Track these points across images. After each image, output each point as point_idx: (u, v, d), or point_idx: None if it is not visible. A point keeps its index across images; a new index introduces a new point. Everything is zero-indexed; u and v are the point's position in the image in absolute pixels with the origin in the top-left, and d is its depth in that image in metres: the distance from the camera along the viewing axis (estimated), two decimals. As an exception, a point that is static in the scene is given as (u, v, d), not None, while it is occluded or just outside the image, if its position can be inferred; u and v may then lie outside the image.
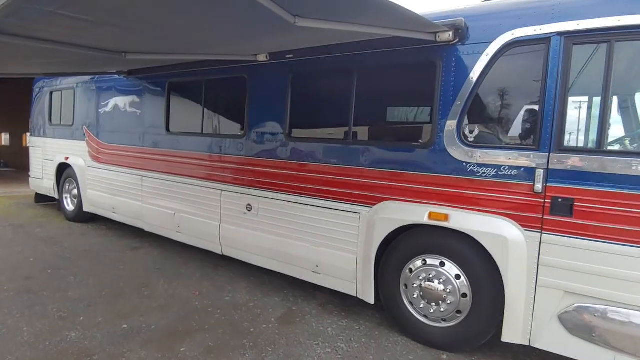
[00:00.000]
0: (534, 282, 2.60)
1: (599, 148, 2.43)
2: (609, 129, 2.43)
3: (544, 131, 2.57)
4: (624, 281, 2.35)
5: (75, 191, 6.50)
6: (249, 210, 4.08)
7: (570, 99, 2.54)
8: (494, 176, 2.74)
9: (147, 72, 5.14)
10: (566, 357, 2.59)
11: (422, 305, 3.04)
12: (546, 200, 2.56)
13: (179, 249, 5.12)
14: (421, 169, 3.03)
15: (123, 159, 5.56)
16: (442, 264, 2.95)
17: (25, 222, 6.43)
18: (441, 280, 2.94)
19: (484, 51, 2.77)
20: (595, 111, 2.43)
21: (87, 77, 6.15)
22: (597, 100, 2.43)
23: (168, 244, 5.25)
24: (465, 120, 2.88)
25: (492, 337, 2.86)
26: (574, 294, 2.50)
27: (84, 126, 6.24)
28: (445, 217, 2.88)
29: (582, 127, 2.63)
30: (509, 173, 2.68)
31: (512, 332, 2.69)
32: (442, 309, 2.96)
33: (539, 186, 2.57)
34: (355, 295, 3.40)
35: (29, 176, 7.75)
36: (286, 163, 3.79)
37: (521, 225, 2.64)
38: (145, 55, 3.82)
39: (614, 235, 2.37)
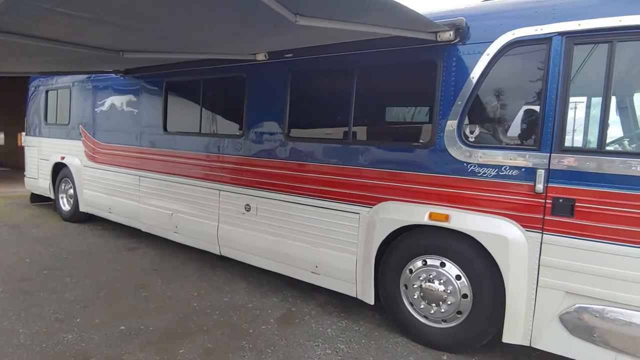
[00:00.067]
0: (535, 282, 2.60)
1: (601, 148, 2.42)
2: (610, 129, 2.43)
3: (545, 131, 2.56)
4: (625, 282, 2.34)
5: (71, 191, 6.44)
6: (247, 211, 4.06)
7: (572, 99, 2.54)
8: (494, 176, 2.73)
9: (144, 71, 5.10)
10: (567, 358, 2.59)
11: (422, 306, 3.03)
12: (547, 201, 2.55)
13: (175, 249, 5.09)
14: (421, 169, 3.02)
15: (120, 158, 5.51)
16: (443, 265, 2.94)
17: (21, 223, 6.38)
18: (441, 281, 2.93)
19: (484, 51, 2.76)
20: (597, 111, 2.42)
21: (84, 76, 6.09)
22: (598, 100, 2.42)
23: (165, 244, 5.22)
24: (466, 120, 2.87)
25: (493, 337, 2.85)
26: (575, 295, 2.49)
27: (80, 125, 6.19)
28: (446, 218, 2.87)
29: (584, 127, 2.63)
30: (509, 173, 2.67)
31: (513, 333, 2.69)
32: (443, 310, 2.95)
33: (540, 186, 2.56)
34: (354, 296, 3.39)
35: (24, 176, 7.67)
36: (285, 163, 3.77)
37: (522, 225, 2.63)
38: (143, 54, 3.78)
39: (615, 235, 2.37)
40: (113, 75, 5.50)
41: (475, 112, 2.88)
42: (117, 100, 5.58)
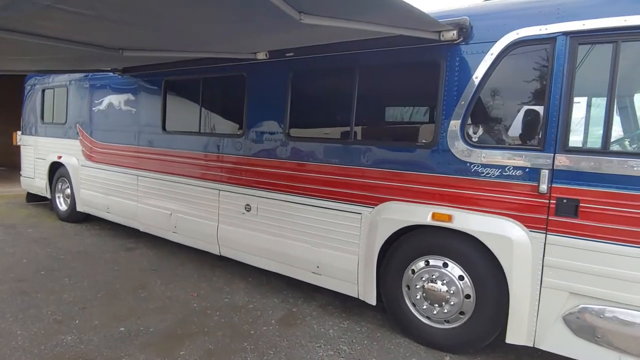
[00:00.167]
0: (539, 283, 2.59)
1: (605, 148, 2.41)
2: (614, 129, 2.42)
3: (548, 131, 2.55)
4: (629, 282, 2.34)
5: (68, 190, 6.38)
6: (247, 211, 4.03)
7: (576, 99, 2.53)
8: (498, 176, 2.71)
9: (142, 70, 5.05)
10: (570, 359, 2.58)
11: (424, 307, 3.02)
12: (551, 201, 2.54)
13: (174, 249, 5.05)
14: (424, 169, 3.00)
15: (118, 157, 5.46)
16: (445, 265, 2.93)
17: (17, 222, 6.30)
18: (444, 281, 2.92)
19: (488, 50, 2.75)
20: (601, 111, 2.41)
21: (81, 75, 6.04)
22: (603, 100, 2.42)
23: (163, 245, 5.18)
24: (469, 120, 2.85)
25: (496, 338, 2.84)
26: (579, 295, 2.48)
27: (77, 124, 6.13)
28: (449, 218, 2.85)
29: (588, 127, 2.63)
30: (513, 173, 2.66)
31: (517, 334, 2.68)
32: (445, 310, 2.93)
33: (543, 187, 2.55)
34: (356, 296, 3.37)
35: (20, 175, 7.60)
36: (286, 163, 3.74)
37: (526, 226, 2.63)
38: (143, 52, 3.74)
39: (619, 236, 2.36)
40: (111, 73, 5.45)
41: (479, 112, 2.86)
42: (115, 99, 5.53)
